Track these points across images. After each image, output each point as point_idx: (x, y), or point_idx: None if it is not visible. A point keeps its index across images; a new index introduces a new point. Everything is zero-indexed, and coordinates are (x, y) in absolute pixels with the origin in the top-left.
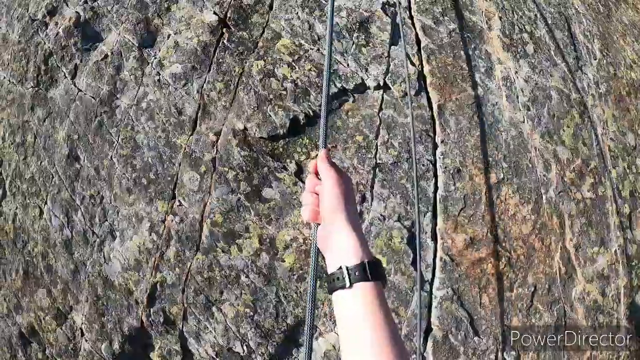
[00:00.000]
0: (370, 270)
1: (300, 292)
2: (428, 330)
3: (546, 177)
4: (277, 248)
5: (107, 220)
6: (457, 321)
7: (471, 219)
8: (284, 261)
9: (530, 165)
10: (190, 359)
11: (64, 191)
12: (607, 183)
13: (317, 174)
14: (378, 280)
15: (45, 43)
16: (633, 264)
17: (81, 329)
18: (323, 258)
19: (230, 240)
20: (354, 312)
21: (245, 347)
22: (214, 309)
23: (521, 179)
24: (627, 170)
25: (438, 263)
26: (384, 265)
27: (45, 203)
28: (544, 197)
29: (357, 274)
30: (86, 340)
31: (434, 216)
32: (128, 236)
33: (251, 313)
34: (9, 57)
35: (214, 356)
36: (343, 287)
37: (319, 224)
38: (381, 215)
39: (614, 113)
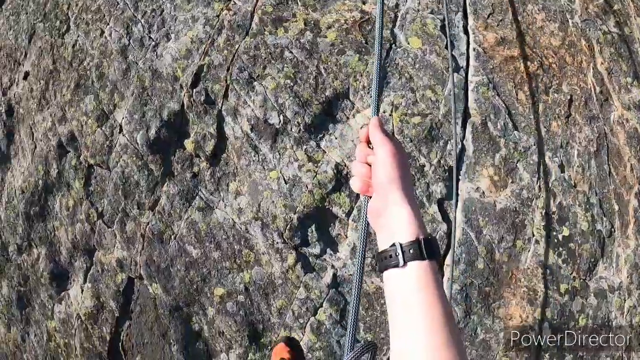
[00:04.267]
0: (425, 248)
1: (340, 64)
2: (466, 117)
3: (570, 6)
4: (321, 28)
5: (164, 27)
6: (494, 108)
7: (500, 23)
8: (327, 37)
9: None
10: (223, 144)
11: (127, 11)
12: (633, 27)
13: (368, 142)
14: (433, 259)
15: None
16: None
17: (120, 125)
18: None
19: (277, 24)
20: (408, 292)
21: (281, 117)
22: (255, 83)
23: (546, 2)
24: None
25: (472, 53)
26: (419, 45)
27: (108, 24)
28: (570, 21)
29: (411, 252)
30: (123, 135)
31: (465, 16)
32: (183, 34)
33: (291, 84)
34: None
35: (249, 131)
36: (396, 265)
37: (370, 197)
38: (415, 8)
39: None
